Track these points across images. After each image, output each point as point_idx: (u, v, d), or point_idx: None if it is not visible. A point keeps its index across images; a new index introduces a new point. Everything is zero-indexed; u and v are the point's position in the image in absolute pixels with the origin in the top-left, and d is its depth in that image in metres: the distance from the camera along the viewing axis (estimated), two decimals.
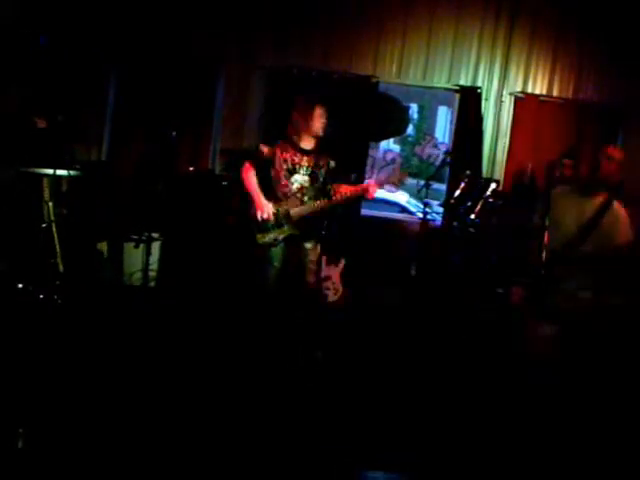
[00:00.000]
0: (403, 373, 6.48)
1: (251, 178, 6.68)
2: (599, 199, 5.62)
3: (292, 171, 6.59)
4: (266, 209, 6.57)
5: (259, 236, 6.60)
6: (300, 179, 6.64)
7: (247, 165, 6.71)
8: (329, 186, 6.70)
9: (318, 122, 6.63)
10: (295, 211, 6.60)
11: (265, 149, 6.73)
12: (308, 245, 6.70)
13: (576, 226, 5.69)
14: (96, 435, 4.66)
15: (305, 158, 6.63)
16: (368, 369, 6.51)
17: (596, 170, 5.67)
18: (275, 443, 4.89)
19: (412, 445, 5.14)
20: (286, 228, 6.63)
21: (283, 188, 6.63)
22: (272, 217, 6.56)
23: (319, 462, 4.73)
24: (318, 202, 6.63)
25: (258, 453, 4.73)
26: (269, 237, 6.60)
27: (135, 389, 5.42)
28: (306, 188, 6.63)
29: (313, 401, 5.61)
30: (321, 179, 6.67)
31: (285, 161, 6.62)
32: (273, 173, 6.67)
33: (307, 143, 6.69)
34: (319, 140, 6.69)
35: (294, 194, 6.62)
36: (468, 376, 6.42)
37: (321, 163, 6.65)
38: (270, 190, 6.67)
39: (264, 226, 6.60)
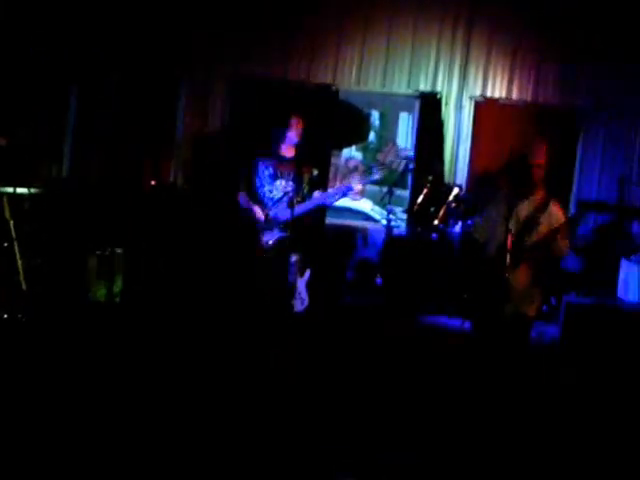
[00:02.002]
0: (374, 378, 6.48)
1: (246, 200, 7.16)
2: (534, 199, 5.85)
3: (275, 178, 6.87)
4: (259, 212, 7.03)
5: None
6: (283, 185, 7.08)
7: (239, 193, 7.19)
8: (312, 193, 7.15)
9: (295, 130, 7.09)
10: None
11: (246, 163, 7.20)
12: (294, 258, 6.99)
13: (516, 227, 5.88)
14: (61, 452, 4.61)
15: (285, 166, 6.88)
16: (343, 373, 6.50)
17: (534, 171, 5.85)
18: (265, 448, 4.87)
19: (403, 446, 5.14)
20: (275, 231, 7.03)
21: (268, 194, 7.08)
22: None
23: (312, 464, 4.72)
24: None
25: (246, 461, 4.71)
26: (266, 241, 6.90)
27: (100, 405, 5.37)
28: (289, 194, 6.92)
29: (299, 405, 5.59)
30: (304, 186, 6.93)
31: (267, 168, 7.05)
32: (257, 180, 7.10)
33: (287, 152, 7.13)
34: (298, 149, 7.14)
35: (279, 199, 7.00)
36: (441, 378, 6.44)
37: (304, 170, 6.91)
38: (256, 198, 7.10)
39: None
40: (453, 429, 5.44)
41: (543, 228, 5.80)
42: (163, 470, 4.54)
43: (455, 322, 7.74)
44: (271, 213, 7.03)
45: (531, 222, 5.89)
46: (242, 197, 7.15)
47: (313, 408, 5.62)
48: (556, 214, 5.84)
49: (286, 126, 7.12)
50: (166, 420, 5.21)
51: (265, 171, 7.08)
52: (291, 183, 7.09)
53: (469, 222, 8.50)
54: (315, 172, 7.21)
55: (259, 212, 6.99)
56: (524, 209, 5.96)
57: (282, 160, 7.11)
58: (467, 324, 7.90)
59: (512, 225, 6.09)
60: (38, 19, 9.24)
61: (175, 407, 5.44)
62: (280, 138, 7.14)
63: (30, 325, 6.76)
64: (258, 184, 7.13)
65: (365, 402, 5.82)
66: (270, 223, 7.01)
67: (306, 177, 7.14)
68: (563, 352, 7.36)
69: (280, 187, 7.10)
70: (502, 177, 7.62)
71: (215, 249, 8.21)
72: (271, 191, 7.12)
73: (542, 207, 5.84)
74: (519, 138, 9.52)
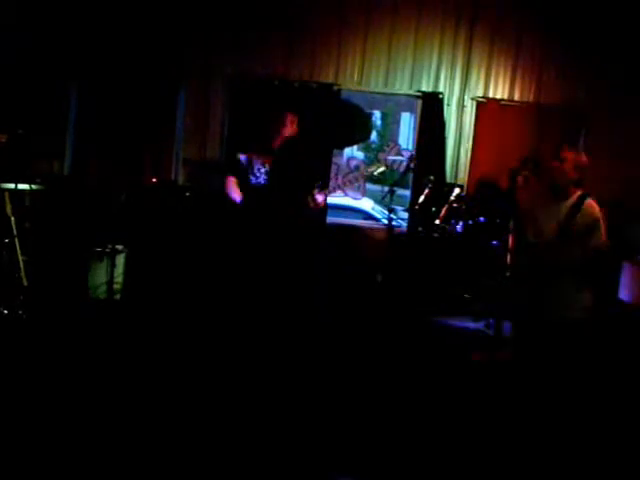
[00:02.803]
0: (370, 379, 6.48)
1: (233, 189, 7.13)
2: (570, 200, 5.66)
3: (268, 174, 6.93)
4: None
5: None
6: None
7: (230, 178, 7.14)
8: None
9: (290, 128, 7.17)
10: None
11: (241, 157, 7.14)
12: None
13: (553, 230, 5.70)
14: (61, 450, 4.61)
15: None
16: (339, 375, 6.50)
17: (552, 174, 5.74)
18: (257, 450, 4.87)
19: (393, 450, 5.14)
20: None
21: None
22: None
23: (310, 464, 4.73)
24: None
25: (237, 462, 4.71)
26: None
27: (101, 402, 5.37)
28: None
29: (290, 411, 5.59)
30: None
31: (263, 165, 7.04)
32: (253, 179, 7.07)
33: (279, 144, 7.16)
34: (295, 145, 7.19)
35: None
36: (437, 381, 6.44)
37: (294, 156, 7.04)
38: (251, 196, 7.05)
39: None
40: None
41: (580, 228, 5.65)
42: (163, 468, 4.55)
43: (465, 324, 7.79)
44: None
45: (566, 225, 5.72)
46: (230, 189, 7.16)
47: (318, 408, 5.63)
48: (590, 212, 5.69)
49: (283, 124, 7.16)
50: (167, 417, 5.22)
51: (261, 168, 7.07)
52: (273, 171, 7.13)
53: (470, 222, 8.50)
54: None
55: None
56: (558, 213, 5.79)
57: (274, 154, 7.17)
58: (481, 325, 7.95)
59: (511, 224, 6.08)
60: (40, 16, 9.24)
61: (176, 404, 5.45)
62: (275, 136, 7.17)
63: (31, 321, 6.77)
64: (254, 181, 7.11)
65: (379, 406, 5.83)
66: None
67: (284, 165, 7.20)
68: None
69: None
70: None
71: (217, 246, 8.19)
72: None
73: (576, 208, 5.68)
74: (521, 139, 9.53)
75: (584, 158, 5.71)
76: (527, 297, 5.67)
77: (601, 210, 5.69)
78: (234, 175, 7.15)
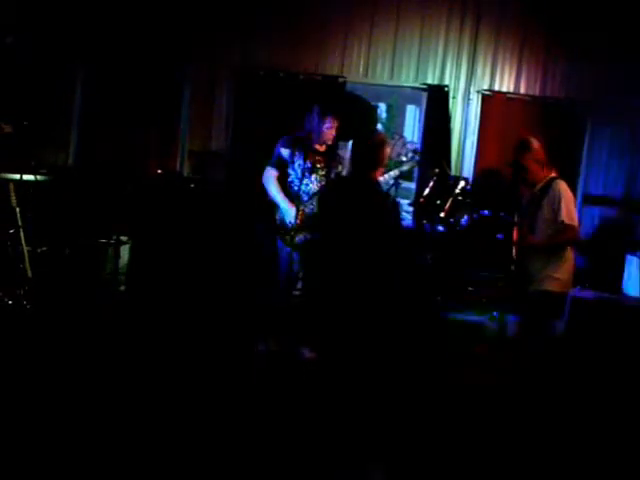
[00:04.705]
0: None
1: (275, 183, 7.06)
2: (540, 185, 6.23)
3: (311, 171, 6.88)
4: (293, 213, 6.86)
5: (287, 238, 6.79)
6: (319, 179, 7.06)
7: (270, 170, 7.12)
8: None
9: (330, 133, 7.11)
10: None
11: (284, 150, 7.12)
12: None
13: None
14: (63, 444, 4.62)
15: (320, 159, 7.05)
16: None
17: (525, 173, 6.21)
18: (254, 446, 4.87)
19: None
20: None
21: (304, 188, 7.00)
22: (299, 219, 6.74)
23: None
24: None
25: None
26: (298, 237, 6.87)
27: (106, 393, 5.38)
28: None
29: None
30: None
31: (304, 161, 7.02)
32: (292, 174, 7.08)
33: (319, 146, 7.12)
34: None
35: (315, 194, 6.95)
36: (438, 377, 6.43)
37: (333, 164, 6.94)
38: (288, 190, 7.08)
39: (292, 228, 6.83)
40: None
41: (547, 208, 5.96)
42: (163, 465, 4.56)
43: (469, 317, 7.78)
44: (307, 210, 7.01)
45: (534, 207, 6.03)
46: (273, 184, 7.12)
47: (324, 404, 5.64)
48: (556, 192, 5.98)
49: (322, 120, 7.09)
50: (168, 413, 5.22)
51: (301, 163, 7.06)
52: (324, 178, 7.09)
53: (475, 216, 8.49)
54: (340, 167, 7.21)
55: (292, 212, 6.89)
56: (530, 198, 6.13)
57: (317, 153, 7.12)
58: (485, 318, 7.94)
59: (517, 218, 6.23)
60: (45, 5, 9.22)
61: (178, 399, 5.45)
62: (317, 132, 7.10)
63: (35, 313, 6.77)
64: (294, 176, 7.11)
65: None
66: (306, 222, 6.94)
67: (335, 172, 7.15)
68: (567, 346, 7.34)
69: (316, 181, 7.10)
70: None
71: (220, 239, 8.20)
72: (307, 185, 7.08)
73: (545, 190, 5.99)
74: (526, 132, 9.51)
75: (537, 144, 6.06)
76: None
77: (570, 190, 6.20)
78: (276, 168, 7.15)
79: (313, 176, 7.09)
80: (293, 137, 7.18)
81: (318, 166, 7.10)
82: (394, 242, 5.93)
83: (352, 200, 5.84)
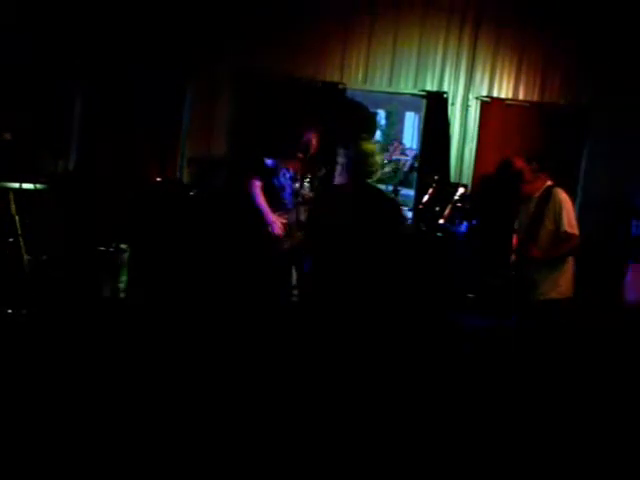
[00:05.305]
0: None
1: (260, 194, 7.14)
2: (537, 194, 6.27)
3: (295, 180, 6.95)
4: (278, 224, 7.05)
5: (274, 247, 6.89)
6: (305, 186, 7.22)
7: (254, 180, 7.14)
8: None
9: (313, 144, 7.32)
10: (305, 217, 6.96)
11: (268, 161, 7.24)
12: None
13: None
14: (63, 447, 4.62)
15: (302, 167, 7.24)
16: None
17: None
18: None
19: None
20: (298, 234, 7.17)
21: (289, 197, 7.19)
22: (284, 229, 6.87)
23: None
24: None
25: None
26: (285, 245, 7.04)
27: (102, 400, 5.37)
28: (309, 195, 6.99)
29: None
30: (317, 184, 7.10)
31: (288, 170, 7.20)
32: (277, 183, 7.18)
33: (301, 154, 7.32)
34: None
35: (300, 202, 7.07)
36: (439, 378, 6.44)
37: (314, 170, 7.05)
38: (275, 199, 7.17)
39: (276, 237, 7.01)
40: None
41: (549, 218, 5.99)
42: (163, 463, 4.56)
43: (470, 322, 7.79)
44: (291, 219, 7.16)
45: (535, 217, 6.05)
46: (257, 194, 7.20)
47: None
48: (557, 201, 6.01)
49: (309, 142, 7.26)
50: (169, 415, 5.22)
51: (286, 173, 7.16)
52: (305, 184, 7.20)
53: (474, 222, 8.50)
54: (323, 171, 7.35)
55: (278, 224, 7.06)
56: (529, 207, 6.14)
57: (298, 161, 7.29)
58: (485, 323, 7.96)
59: (518, 225, 6.26)
60: (45, 12, 9.22)
61: (178, 402, 5.45)
62: (299, 143, 7.26)
63: (34, 320, 6.77)
64: (278, 186, 7.22)
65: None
66: (292, 228, 7.14)
67: (317, 178, 7.27)
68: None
69: (298, 189, 7.20)
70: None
71: (220, 245, 8.20)
72: (291, 194, 7.24)
73: (545, 199, 6.00)
74: (525, 139, 9.52)
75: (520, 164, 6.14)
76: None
77: (571, 198, 6.31)
78: (259, 178, 7.20)
79: (296, 184, 7.23)
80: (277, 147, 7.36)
81: (298, 175, 7.26)
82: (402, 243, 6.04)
83: (358, 205, 5.92)
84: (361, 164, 6.70)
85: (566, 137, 9.57)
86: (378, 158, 7.07)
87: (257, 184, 7.20)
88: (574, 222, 6.09)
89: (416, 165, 9.13)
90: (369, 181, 7.14)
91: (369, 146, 6.89)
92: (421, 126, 10.19)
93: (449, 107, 9.89)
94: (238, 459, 4.71)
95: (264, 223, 7.12)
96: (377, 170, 7.14)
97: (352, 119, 10.10)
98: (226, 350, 6.53)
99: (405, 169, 8.15)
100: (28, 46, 8.99)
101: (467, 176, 9.87)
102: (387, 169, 8.12)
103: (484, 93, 9.88)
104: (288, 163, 7.21)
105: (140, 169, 9.28)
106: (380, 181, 9.95)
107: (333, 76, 9.86)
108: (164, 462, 4.58)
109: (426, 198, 8.79)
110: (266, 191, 7.19)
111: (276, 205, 7.15)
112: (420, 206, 8.85)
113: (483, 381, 6.28)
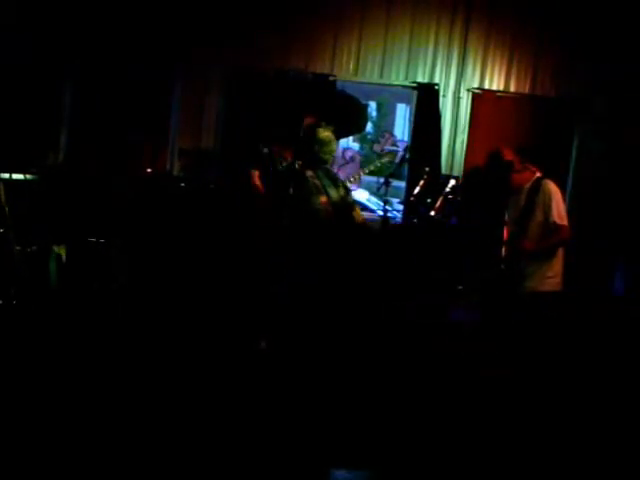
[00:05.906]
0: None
1: (258, 184, 7.31)
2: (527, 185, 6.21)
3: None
4: None
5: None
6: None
7: (252, 171, 7.29)
8: None
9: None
10: None
11: (263, 148, 7.31)
12: None
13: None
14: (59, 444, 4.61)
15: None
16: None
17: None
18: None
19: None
20: None
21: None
22: None
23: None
24: None
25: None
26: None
27: (93, 394, 5.36)
28: None
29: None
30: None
31: (284, 158, 7.21)
32: (273, 171, 7.24)
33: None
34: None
35: None
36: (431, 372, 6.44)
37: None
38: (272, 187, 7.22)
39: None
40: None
41: (539, 209, 6.00)
42: (163, 462, 4.56)
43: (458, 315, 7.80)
44: None
45: (525, 209, 6.06)
46: (255, 184, 7.28)
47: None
48: (546, 193, 5.99)
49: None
50: (165, 411, 5.22)
51: (283, 162, 7.22)
52: None
53: (464, 214, 8.51)
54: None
55: None
56: (519, 199, 6.14)
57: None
58: (474, 316, 7.97)
59: (508, 217, 6.27)
60: (36, 6, 9.19)
61: (174, 399, 5.45)
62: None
63: (25, 312, 6.75)
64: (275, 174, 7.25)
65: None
66: None
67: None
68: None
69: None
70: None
71: (211, 238, 8.20)
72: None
73: (534, 191, 5.97)
74: (516, 130, 9.53)
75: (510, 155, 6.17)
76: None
77: (560, 190, 6.26)
78: (257, 168, 7.22)
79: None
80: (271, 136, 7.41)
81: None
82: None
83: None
84: (313, 151, 6.79)
85: (557, 129, 9.58)
86: (333, 146, 7.10)
87: (255, 174, 7.21)
88: (564, 213, 6.09)
89: (407, 157, 9.09)
90: (327, 167, 7.21)
91: (325, 134, 6.92)
92: (412, 118, 10.19)
93: (440, 99, 9.89)
94: (237, 458, 4.72)
95: (260, 214, 7.16)
96: (331, 157, 7.20)
97: (343, 111, 10.10)
98: (216, 344, 6.53)
99: (396, 161, 8.12)
100: (17, 37, 8.96)
101: (458, 168, 9.88)
102: (385, 159, 8.06)
103: (475, 85, 9.88)
104: (284, 151, 7.21)
105: (130, 160, 9.26)
106: (378, 171, 9.96)
107: (324, 68, 9.85)
108: (161, 459, 4.58)
109: (417, 190, 8.80)
110: (263, 180, 7.23)
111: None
112: (411, 198, 8.86)
113: (464, 375, 6.29)
